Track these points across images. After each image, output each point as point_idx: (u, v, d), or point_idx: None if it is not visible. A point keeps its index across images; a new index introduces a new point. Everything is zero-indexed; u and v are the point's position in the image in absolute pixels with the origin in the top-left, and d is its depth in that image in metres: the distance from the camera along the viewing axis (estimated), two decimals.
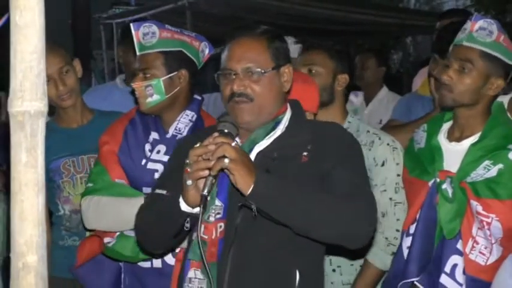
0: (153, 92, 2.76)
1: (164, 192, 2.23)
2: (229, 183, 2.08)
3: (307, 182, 2.13)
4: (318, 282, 2.29)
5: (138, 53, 2.76)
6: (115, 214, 2.73)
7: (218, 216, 2.15)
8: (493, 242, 2.50)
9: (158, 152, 2.79)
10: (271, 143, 2.22)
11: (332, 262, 2.98)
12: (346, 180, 2.14)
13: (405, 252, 2.66)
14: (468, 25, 2.59)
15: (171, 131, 2.81)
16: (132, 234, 2.69)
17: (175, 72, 2.77)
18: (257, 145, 2.22)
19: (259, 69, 2.19)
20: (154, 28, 2.76)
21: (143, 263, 2.78)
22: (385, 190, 2.90)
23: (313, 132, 2.25)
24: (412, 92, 4.11)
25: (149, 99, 2.76)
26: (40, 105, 1.07)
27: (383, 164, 2.91)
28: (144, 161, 2.79)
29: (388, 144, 2.94)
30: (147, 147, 2.81)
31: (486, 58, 2.56)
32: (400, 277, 2.64)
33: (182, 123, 2.82)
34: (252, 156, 2.19)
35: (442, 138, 2.72)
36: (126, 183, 2.80)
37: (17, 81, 1.06)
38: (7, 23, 1.14)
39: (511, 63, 2.59)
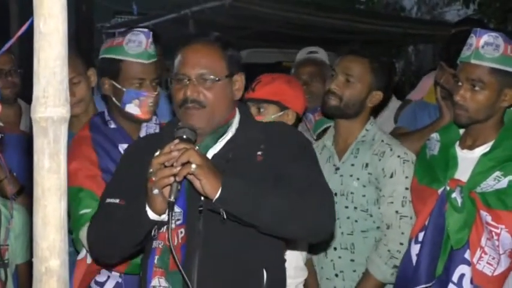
0: (158, 98, 2.84)
1: (117, 201, 2.23)
2: (188, 189, 2.11)
3: (264, 180, 2.17)
4: (282, 278, 2.34)
5: (147, 61, 2.77)
6: None
7: (178, 222, 2.16)
8: (501, 252, 2.50)
9: None
10: (225, 146, 2.25)
11: (335, 266, 3.00)
12: (302, 176, 2.18)
13: (414, 259, 2.67)
14: (473, 40, 2.57)
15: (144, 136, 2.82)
16: None
17: None
18: (211, 148, 2.24)
19: (213, 76, 2.21)
20: (150, 34, 2.81)
21: None
22: (392, 202, 2.88)
23: (264, 131, 2.29)
24: (418, 99, 4.11)
25: (156, 107, 2.84)
26: (63, 111, 1.08)
27: (391, 176, 2.88)
28: None
29: (398, 156, 2.90)
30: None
31: (496, 73, 2.55)
32: (409, 284, 2.65)
33: (150, 127, 2.86)
34: None
35: (455, 146, 2.73)
36: None
37: (41, 88, 1.07)
38: (28, 30, 1.15)
39: None
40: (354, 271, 2.97)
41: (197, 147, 2.12)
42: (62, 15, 1.07)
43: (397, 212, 2.86)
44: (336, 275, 3.00)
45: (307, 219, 2.13)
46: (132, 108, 2.78)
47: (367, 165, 2.93)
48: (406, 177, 2.86)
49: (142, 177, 2.16)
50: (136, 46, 2.75)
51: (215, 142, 2.26)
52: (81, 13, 11.40)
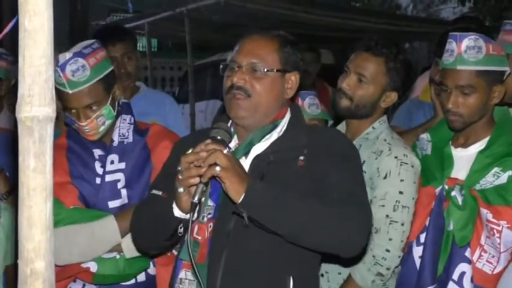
0: (105, 119, 2.71)
1: (160, 193, 2.22)
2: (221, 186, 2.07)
3: (302, 186, 2.12)
4: (313, 286, 2.30)
5: (72, 91, 2.62)
6: (88, 239, 2.63)
7: (209, 216, 2.15)
8: (501, 251, 2.50)
9: (112, 162, 2.75)
10: (268, 147, 2.21)
11: (321, 266, 2.82)
12: (341, 187, 2.11)
13: (417, 262, 2.64)
14: (454, 46, 2.56)
15: (116, 138, 2.77)
16: (109, 255, 2.65)
17: (112, 90, 2.75)
18: (254, 147, 2.21)
19: (263, 67, 2.17)
20: (82, 61, 2.64)
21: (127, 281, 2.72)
22: (383, 205, 2.68)
23: (310, 136, 2.23)
24: (413, 98, 4.10)
25: (102, 128, 2.72)
26: (49, 110, 1.06)
27: (385, 177, 2.70)
28: (98, 179, 2.73)
29: (396, 157, 2.71)
30: (97, 164, 2.75)
31: (483, 75, 2.55)
32: (414, 287, 2.63)
33: (123, 128, 2.79)
34: (249, 159, 2.19)
35: (449, 145, 2.73)
36: (82, 207, 2.71)
37: (26, 86, 1.05)
38: (15, 27, 1.13)
39: (506, 68, 2.60)
40: (339, 273, 2.83)
41: (227, 150, 2.08)
42: (48, 13, 1.05)
43: (387, 216, 2.67)
44: (322, 275, 2.87)
45: (334, 234, 2.06)
46: (77, 129, 2.74)
47: (363, 162, 2.74)
48: (402, 180, 2.68)
49: None
50: (58, 76, 2.59)
51: (259, 140, 2.22)
52: (76, 11, 11.40)
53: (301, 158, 2.17)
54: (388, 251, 2.66)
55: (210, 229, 2.14)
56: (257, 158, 2.19)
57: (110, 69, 2.75)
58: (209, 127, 2.54)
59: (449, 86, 2.60)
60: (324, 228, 2.04)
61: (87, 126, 2.68)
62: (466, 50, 2.53)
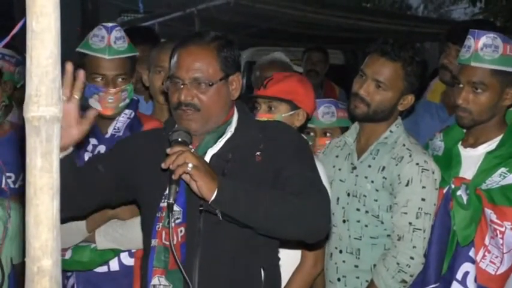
0: (126, 96, 2.82)
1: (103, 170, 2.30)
2: (187, 188, 2.11)
3: (262, 181, 2.19)
4: (278, 277, 2.37)
5: (109, 57, 2.77)
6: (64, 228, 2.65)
7: (178, 221, 2.18)
8: (504, 251, 2.49)
9: (99, 152, 2.81)
10: (224, 145, 2.27)
11: (338, 270, 2.89)
12: (300, 176, 2.18)
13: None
14: (471, 42, 2.56)
15: (110, 130, 2.84)
16: (86, 244, 2.69)
17: (134, 75, 2.87)
18: (210, 148, 2.26)
19: (207, 81, 2.22)
20: (123, 33, 2.82)
21: (99, 268, 2.75)
22: (405, 213, 2.69)
23: (262, 131, 2.30)
24: (420, 100, 4.06)
25: (122, 104, 2.83)
26: (55, 110, 1.08)
27: (407, 184, 2.69)
28: None
29: (417, 163, 2.70)
30: (87, 155, 2.79)
31: (497, 74, 2.55)
32: (418, 285, 2.63)
33: (120, 122, 2.86)
34: (206, 159, 2.23)
35: (458, 145, 2.73)
36: None
37: (33, 86, 1.06)
38: (23, 28, 1.15)
39: None
40: (357, 278, 2.84)
41: (193, 150, 2.14)
42: (55, 14, 1.06)
43: (410, 223, 2.68)
44: (339, 279, 2.89)
45: (303, 221, 2.13)
46: (94, 103, 2.78)
47: (383, 168, 2.77)
48: (423, 187, 2.68)
49: (129, 164, 2.30)
50: (98, 41, 2.76)
51: (215, 142, 2.27)
52: (87, 11, 11.44)
53: (258, 153, 2.24)
54: (412, 258, 2.67)
55: (181, 234, 2.17)
56: (215, 156, 2.25)
57: (135, 53, 2.90)
58: (159, 128, 2.61)
59: (462, 81, 2.60)
60: (293, 217, 2.11)
61: (112, 96, 2.77)
62: (483, 48, 2.53)
